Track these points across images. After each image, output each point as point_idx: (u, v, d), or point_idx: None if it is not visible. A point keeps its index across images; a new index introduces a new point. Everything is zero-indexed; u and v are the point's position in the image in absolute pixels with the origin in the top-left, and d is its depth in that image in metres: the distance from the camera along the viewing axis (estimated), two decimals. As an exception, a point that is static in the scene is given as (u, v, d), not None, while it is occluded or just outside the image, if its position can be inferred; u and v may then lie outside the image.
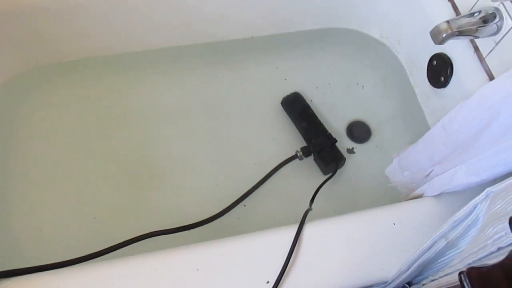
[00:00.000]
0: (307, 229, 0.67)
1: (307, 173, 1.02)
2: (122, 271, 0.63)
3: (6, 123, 1.02)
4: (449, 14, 0.90)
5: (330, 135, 1.03)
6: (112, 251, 0.72)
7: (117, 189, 0.97)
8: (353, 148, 1.06)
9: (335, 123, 1.09)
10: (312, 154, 1.02)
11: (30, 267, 0.65)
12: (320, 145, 1.01)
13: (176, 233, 0.82)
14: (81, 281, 0.62)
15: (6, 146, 1.00)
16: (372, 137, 1.07)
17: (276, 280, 0.62)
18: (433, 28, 0.78)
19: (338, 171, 1.00)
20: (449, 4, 0.91)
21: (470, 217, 0.54)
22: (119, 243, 0.74)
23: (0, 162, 0.98)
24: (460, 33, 0.78)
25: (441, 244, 0.57)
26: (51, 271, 0.65)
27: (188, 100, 1.09)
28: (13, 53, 1.02)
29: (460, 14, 0.90)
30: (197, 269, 0.63)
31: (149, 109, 1.07)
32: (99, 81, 1.09)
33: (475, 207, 0.53)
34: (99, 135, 1.03)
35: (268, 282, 0.62)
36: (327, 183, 0.94)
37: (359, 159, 1.05)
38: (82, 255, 0.69)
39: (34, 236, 0.92)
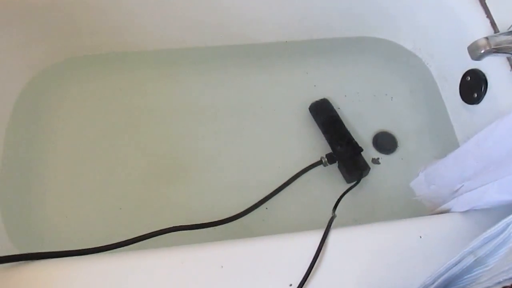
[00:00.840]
0: (332, 236, 0.67)
1: (330, 180, 1.02)
2: (148, 262, 0.64)
3: (40, 112, 1.05)
4: (487, 30, 0.90)
5: (356, 143, 1.03)
6: (135, 243, 0.73)
7: (143, 182, 0.99)
8: (378, 158, 1.06)
9: (362, 132, 1.09)
10: (337, 162, 1.02)
11: (53, 252, 0.66)
12: (346, 153, 1.01)
13: (198, 230, 0.83)
14: (106, 269, 0.64)
15: (39, 135, 1.02)
16: (398, 149, 1.07)
17: (300, 284, 0.62)
18: (472, 44, 0.77)
19: (362, 179, 1.00)
20: (488, 20, 0.91)
21: (502, 235, 0.53)
22: (142, 235, 0.75)
23: (32, 149, 1.01)
24: (498, 50, 0.78)
25: (469, 260, 0.57)
26: (74, 257, 0.66)
27: (218, 99, 1.10)
28: (50, 43, 1.04)
29: (498, 31, 0.89)
30: (222, 266, 0.63)
31: (179, 106, 1.09)
32: (132, 75, 1.11)
33: (508, 225, 0.53)
34: (128, 128, 1.05)
35: (291, 285, 0.63)
36: (350, 191, 0.94)
37: (384, 170, 1.04)
38: (105, 245, 0.70)
39: (59, 223, 0.94)
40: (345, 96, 1.13)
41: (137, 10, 1.00)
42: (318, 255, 0.64)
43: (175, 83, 1.11)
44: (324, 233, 0.67)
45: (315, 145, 1.06)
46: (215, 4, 1.01)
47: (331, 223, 0.69)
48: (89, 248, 0.68)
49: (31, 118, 1.04)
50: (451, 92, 1.03)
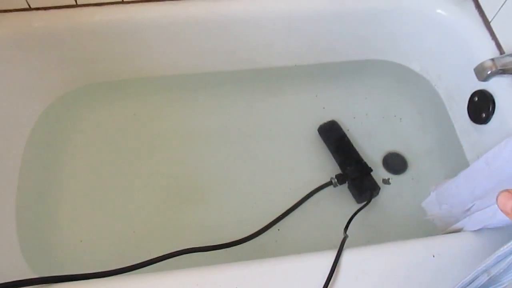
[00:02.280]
0: (345, 256, 0.68)
1: (340, 200, 1.03)
2: (163, 284, 0.65)
3: (56, 137, 1.08)
4: (493, 52, 0.92)
5: (365, 164, 1.04)
6: (149, 265, 0.74)
7: (157, 205, 1.00)
8: (388, 178, 1.06)
9: (372, 153, 1.10)
10: (347, 182, 1.03)
11: (69, 275, 0.67)
12: (355, 173, 1.02)
13: (211, 251, 0.84)
14: (123, 291, 0.64)
15: (55, 159, 1.05)
16: (408, 169, 1.08)
17: (314, 304, 0.62)
18: (478, 65, 0.79)
19: (373, 200, 1.01)
20: (493, 42, 0.93)
21: (515, 253, 0.53)
22: (156, 257, 0.76)
23: (50, 174, 1.03)
24: (504, 71, 0.79)
25: (483, 279, 0.57)
26: (90, 280, 0.67)
27: (229, 123, 1.12)
28: (68, 70, 1.08)
29: (504, 52, 0.91)
30: (236, 287, 0.64)
31: (192, 130, 1.11)
32: (146, 100, 1.14)
33: (521, 243, 0.53)
34: (142, 153, 1.07)
35: (305, 305, 0.63)
36: (361, 211, 0.94)
37: (394, 190, 1.05)
38: (120, 267, 0.71)
39: (74, 246, 0.95)
40: (354, 117, 1.14)
41: (151, 38, 1.03)
42: (332, 275, 0.65)
43: (187, 107, 1.14)
44: (337, 253, 0.67)
45: (325, 166, 1.07)
46: (226, 31, 1.05)
47: (344, 243, 0.69)
48: (103, 271, 0.69)
49: (48, 143, 1.07)
50: (459, 112, 1.04)
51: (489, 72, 0.77)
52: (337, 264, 0.67)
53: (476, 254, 0.68)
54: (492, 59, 0.79)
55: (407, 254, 0.69)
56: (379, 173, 1.07)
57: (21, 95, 1.02)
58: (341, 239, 0.71)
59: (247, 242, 0.91)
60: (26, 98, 1.04)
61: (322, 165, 1.08)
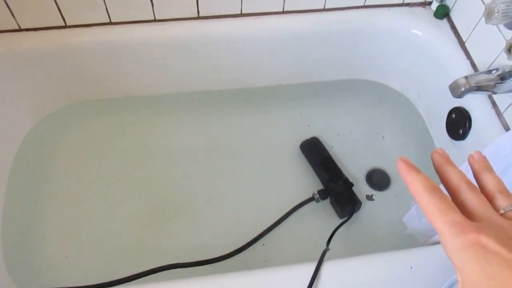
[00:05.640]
0: (325, 268, 0.69)
1: (323, 215, 1.04)
2: (145, 297, 0.65)
3: (43, 155, 1.09)
4: (468, 70, 0.95)
5: (347, 179, 1.06)
6: (132, 280, 0.75)
7: (142, 222, 1.01)
8: (372, 195, 1.08)
9: (355, 170, 1.12)
10: (329, 197, 1.04)
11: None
12: (337, 188, 1.03)
13: (195, 267, 0.84)
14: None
15: (42, 176, 1.06)
16: (391, 185, 1.10)
17: (293, 315, 0.63)
18: (452, 83, 0.82)
19: (356, 215, 1.03)
20: (468, 61, 0.97)
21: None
22: (140, 273, 0.76)
23: (36, 191, 1.04)
24: (478, 88, 0.82)
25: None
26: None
27: (214, 141, 1.14)
28: (56, 89, 1.10)
29: (478, 71, 0.94)
30: (217, 299, 0.65)
31: (177, 148, 1.13)
32: (132, 119, 1.16)
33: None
34: (128, 170, 1.09)
35: (285, 317, 0.64)
36: (344, 226, 0.96)
37: (378, 206, 1.06)
38: (101, 282, 0.71)
39: (59, 262, 0.95)
40: (338, 135, 1.17)
41: (138, 57, 1.06)
42: (311, 287, 0.66)
43: (174, 126, 1.16)
44: (317, 265, 0.69)
45: (308, 182, 1.09)
46: (210, 51, 1.08)
47: (324, 256, 0.71)
48: (88, 286, 0.70)
49: (34, 160, 1.08)
50: (438, 129, 1.07)
51: (462, 89, 0.80)
52: (317, 276, 0.68)
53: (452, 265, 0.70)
54: (466, 77, 0.82)
55: (385, 266, 0.70)
56: (363, 189, 1.09)
57: (9, 114, 1.03)
58: (322, 251, 0.73)
59: (232, 258, 0.92)
60: (14, 117, 1.05)
61: (305, 182, 1.09)
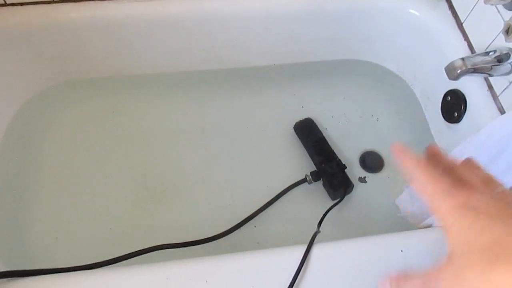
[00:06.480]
0: (315, 251, 0.69)
1: (315, 197, 1.04)
2: (133, 278, 0.65)
3: (32, 134, 1.07)
4: (465, 52, 0.93)
5: (340, 161, 1.05)
6: (122, 260, 0.74)
7: (133, 203, 1.00)
8: (365, 177, 1.07)
9: (349, 152, 1.11)
10: (321, 179, 1.04)
11: (41, 269, 0.67)
12: (329, 170, 1.03)
13: (185, 248, 0.84)
14: (91, 285, 0.64)
15: (32, 157, 1.04)
16: (384, 168, 1.09)
17: (282, 298, 0.63)
18: (448, 64, 0.81)
19: (348, 197, 1.02)
20: (465, 43, 0.95)
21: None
22: (130, 253, 0.75)
23: (26, 170, 1.02)
24: (475, 70, 0.81)
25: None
26: (62, 274, 0.67)
27: (207, 121, 1.13)
28: (45, 68, 1.07)
29: (475, 52, 0.93)
30: (206, 281, 0.64)
31: (169, 128, 1.11)
32: (124, 98, 1.14)
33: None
34: (120, 150, 1.07)
35: (274, 299, 0.64)
36: (337, 208, 0.96)
37: (371, 188, 1.06)
38: (90, 263, 0.71)
39: (49, 243, 0.95)
40: (332, 117, 1.15)
41: (128, 36, 1.03)
42: (300, 269, 0.65)
43: (166, 105, 1.14)
44: (307, 248, 0.68)
45: (301, 164, 1.08)
46: (203, 30, 1.05)
47: (314, 238, 0.70)
48: (76, 266, 0.69)
49: (25, 139, 1.06)
50: (434, 112, 1.06)
51: (459, 71, 0.79)
52: (307, 258, 0.67)
53: (443, 248, 0.69)
54: (462, 59, 0.80)
55: (375, 248, 0.69)
56: (356, 171, 1.08)
57: (-3, 91, 1.01)
58: (313, 233, 0.72)
59: (223, 239, 0.91)
60: (3, 95, 1.03)
61: (298, 163, 1.08)
